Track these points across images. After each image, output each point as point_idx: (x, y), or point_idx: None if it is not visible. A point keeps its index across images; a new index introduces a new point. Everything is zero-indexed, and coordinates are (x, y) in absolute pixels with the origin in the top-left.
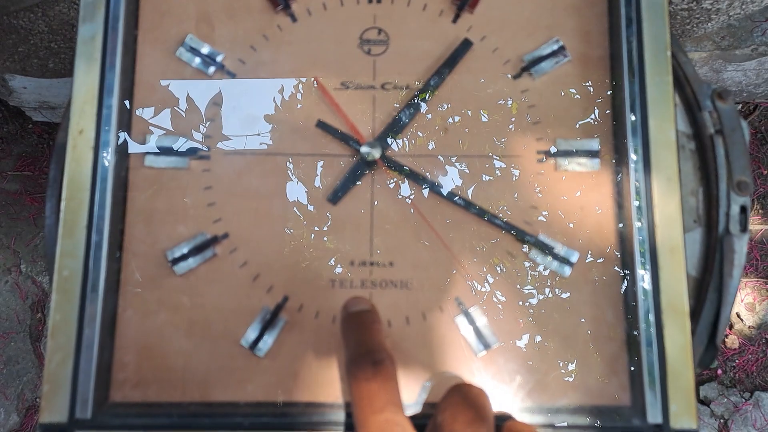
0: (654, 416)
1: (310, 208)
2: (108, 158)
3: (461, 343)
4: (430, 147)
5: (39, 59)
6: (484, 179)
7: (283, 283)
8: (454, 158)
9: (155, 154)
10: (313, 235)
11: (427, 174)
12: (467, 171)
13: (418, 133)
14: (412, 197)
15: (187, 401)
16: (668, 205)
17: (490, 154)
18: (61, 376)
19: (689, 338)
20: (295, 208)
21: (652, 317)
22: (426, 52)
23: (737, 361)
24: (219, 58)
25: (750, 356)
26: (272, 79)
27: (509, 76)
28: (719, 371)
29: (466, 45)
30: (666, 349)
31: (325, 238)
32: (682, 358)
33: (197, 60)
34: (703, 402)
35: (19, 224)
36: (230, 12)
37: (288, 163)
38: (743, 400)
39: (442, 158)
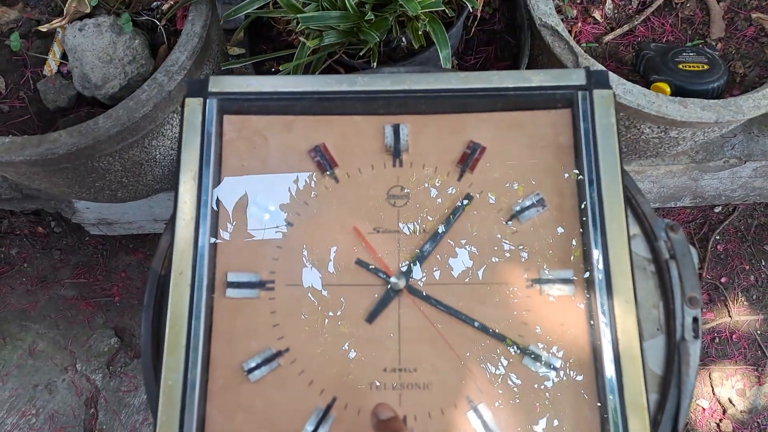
0: None
1: (351, 327)
2: (201, 293)
3: None
4: (442, 277)
5: (110, 191)
6: (483, 300)
7: (332, 387)
8: (463, 283)
9: (234, 287)
10: (354, 349)
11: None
12: (474, 293)
13: (435, 263)
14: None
15: None
16: (626, 323)
17: (490, 279)
18: None
19: (648, 427)
20: (340, 327)
21: (619, 411)
22: (438, 204)
23: None
24: (283, 213)
25: None
26: (325, 230)
27: (502, 221)
28: None
29: (468, 198)
30: None
31: (363, 351)
32: None
33: (267, 216)
34: None
35: (75, 327)
36: None
37: (330, 293)
38: None
39: (454, 284)
